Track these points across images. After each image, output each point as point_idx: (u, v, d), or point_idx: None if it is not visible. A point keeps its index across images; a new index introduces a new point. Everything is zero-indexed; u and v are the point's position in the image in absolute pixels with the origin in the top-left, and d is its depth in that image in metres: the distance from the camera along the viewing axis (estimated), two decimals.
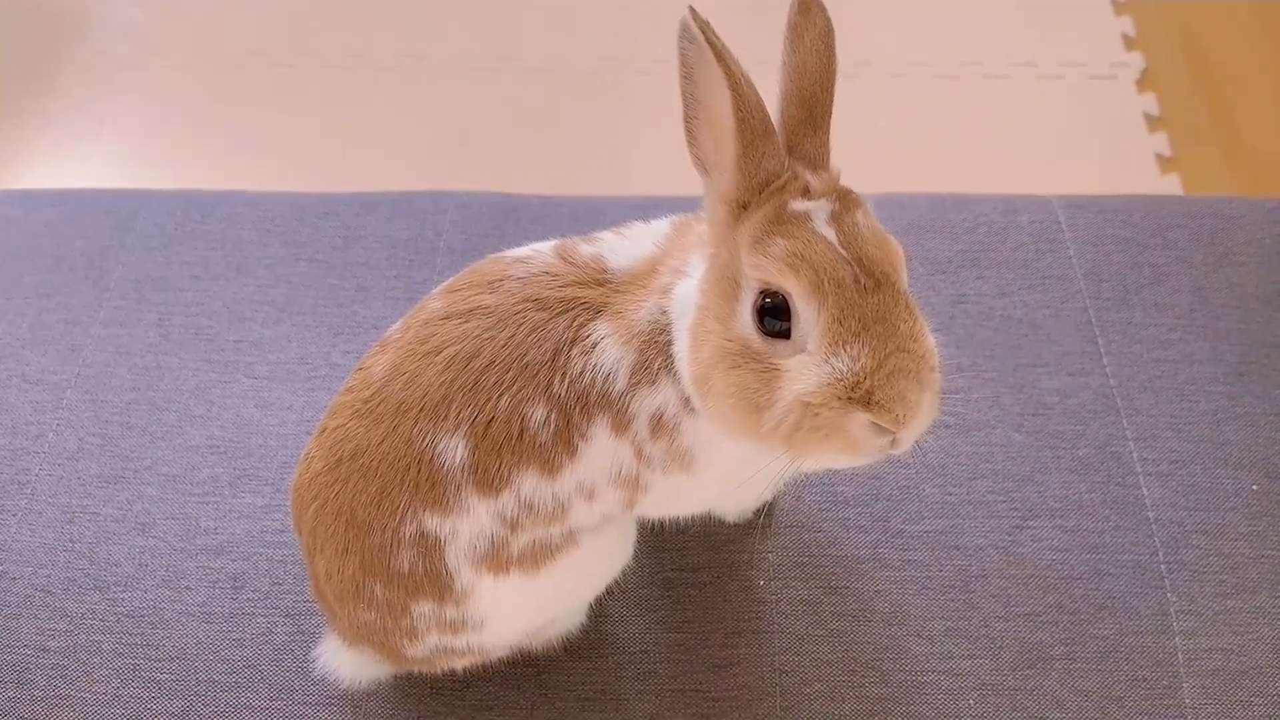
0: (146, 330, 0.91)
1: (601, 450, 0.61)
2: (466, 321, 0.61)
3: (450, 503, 0.60)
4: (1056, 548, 0.80)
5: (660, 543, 0.80)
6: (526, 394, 0.59)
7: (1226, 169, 1.82)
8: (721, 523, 0.81)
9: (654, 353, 0.60)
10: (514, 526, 0.62)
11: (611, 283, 0.62)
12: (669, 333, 0.59)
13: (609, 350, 0.60)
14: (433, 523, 0.61)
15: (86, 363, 0.89)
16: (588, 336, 0.60)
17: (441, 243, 0.98)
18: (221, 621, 0.77)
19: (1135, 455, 0.84)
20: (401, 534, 0.61)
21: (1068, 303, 0.93)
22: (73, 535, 0.80)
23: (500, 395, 0.59)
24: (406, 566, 0.62)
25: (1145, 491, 0.82)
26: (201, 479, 0.83)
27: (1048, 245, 0.98)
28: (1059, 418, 0.86)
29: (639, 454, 0.61)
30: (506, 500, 0.61)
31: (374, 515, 0.61)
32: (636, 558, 0.73)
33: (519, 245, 0.97)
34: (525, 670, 0.75)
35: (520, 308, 0.61)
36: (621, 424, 0.60)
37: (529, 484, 0.61)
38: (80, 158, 1.87)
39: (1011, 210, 1.02)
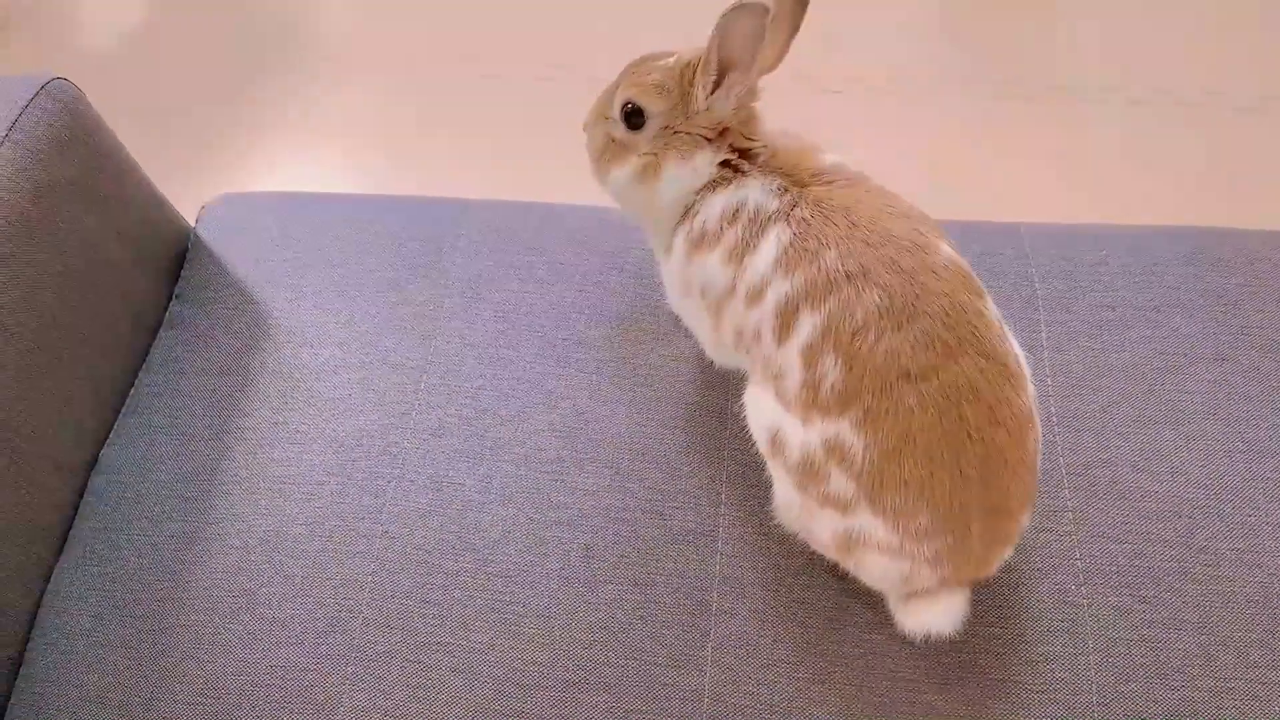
0: (486, 324, 1.02)
1: None
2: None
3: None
4: None
5: None
6: None
7: None
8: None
9: None
10: None
11: None
12: None
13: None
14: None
15: (437, 351, 1.01)
16: None
17: None
18: (578, 586, 0.87)
19: None
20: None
21: None
22: (441, 502, 0.92)
23: None
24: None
25: None
26: (549, 459, 0.93)
27: None
28: None
29: None
30: None
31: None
32: None
33: None
34: (850, 650, 0.83)
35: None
36: None
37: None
38: (310, 161, 2.04)
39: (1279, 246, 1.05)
